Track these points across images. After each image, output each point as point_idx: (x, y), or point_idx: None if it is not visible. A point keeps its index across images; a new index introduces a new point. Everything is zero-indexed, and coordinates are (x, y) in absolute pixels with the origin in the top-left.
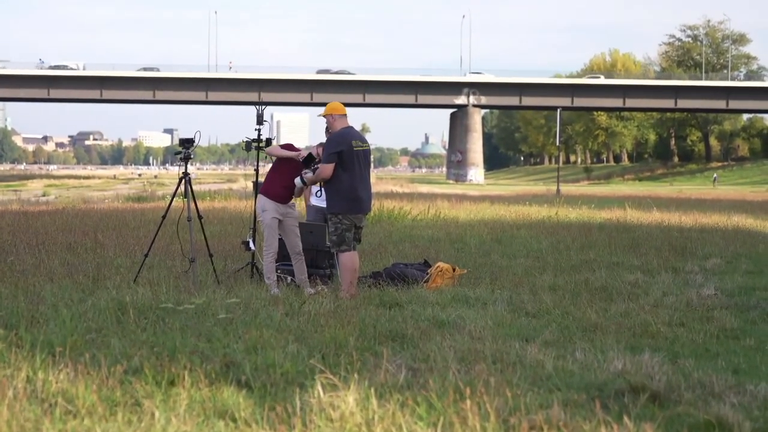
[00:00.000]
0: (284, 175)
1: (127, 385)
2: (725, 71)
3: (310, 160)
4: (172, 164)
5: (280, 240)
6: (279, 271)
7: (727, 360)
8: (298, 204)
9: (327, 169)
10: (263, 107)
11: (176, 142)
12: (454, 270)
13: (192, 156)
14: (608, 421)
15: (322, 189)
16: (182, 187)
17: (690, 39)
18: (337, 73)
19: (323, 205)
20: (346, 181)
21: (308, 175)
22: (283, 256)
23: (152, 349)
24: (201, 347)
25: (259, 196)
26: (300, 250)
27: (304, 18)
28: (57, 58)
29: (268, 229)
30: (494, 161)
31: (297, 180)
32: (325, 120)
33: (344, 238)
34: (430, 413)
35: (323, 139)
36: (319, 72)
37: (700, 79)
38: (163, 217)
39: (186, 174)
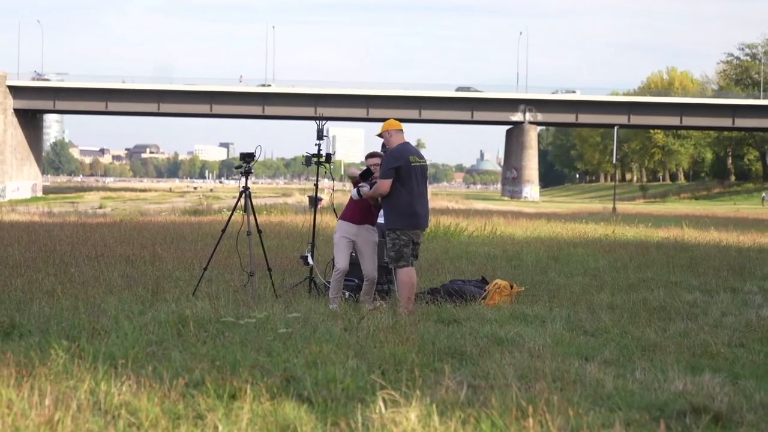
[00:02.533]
0: (368, 204)
1: (189, 398)
2: None
3: (368, 174)
4: (227, 178)
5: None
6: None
7: None
8: None
9: (385, 184)
10: (324, 122)
11: (232, 155)
12: (511, 287)
13: (252, 170)
14: None
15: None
16: (242, 201)
17: (748, 57)
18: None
19: (381, 221)
20: (404, 197)
21: (365, 189)
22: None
23: (213, 363)
24: (261, 361)
25: (339, 221)
26: (373, 277)
27: (361, 34)
28: (114, 71)
29: (335, 248)
30: (549, 178)
31: (354, 192)
32: (382, 138)
33: (402, 254)
34: (492, 430)
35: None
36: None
37: (758, 98)
38: (223, 230)
39: (246, 188)
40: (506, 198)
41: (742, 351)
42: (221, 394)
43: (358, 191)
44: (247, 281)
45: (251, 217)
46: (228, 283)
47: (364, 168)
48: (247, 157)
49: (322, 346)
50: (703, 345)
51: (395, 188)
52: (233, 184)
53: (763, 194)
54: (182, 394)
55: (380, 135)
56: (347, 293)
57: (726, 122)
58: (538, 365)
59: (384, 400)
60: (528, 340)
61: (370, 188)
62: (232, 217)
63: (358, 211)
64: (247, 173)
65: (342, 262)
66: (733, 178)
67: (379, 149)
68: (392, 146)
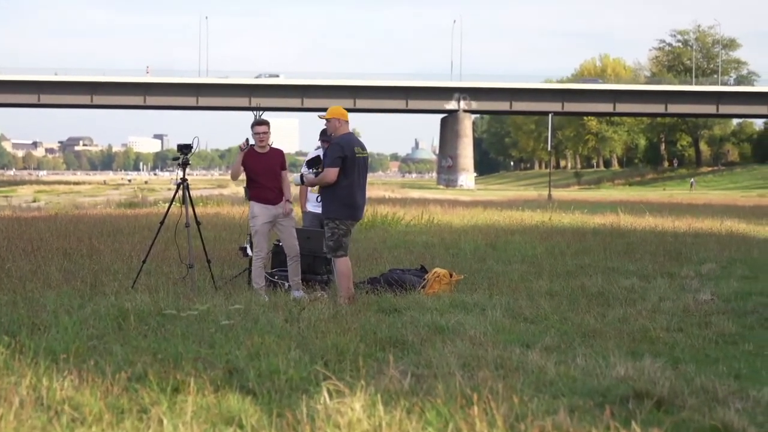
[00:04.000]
0: (262, 175)
1: (133, 392)
2: (715, 76)
3: (315, 162)
4: (162, 170)
5: (279, 245)
6: (277, 277)
7: (727, 365)
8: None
9: (332, 173)
10: (261, 112)
11: (166, 147)
12: (451, 276)
13: (189, 162)
14: (616, 427)
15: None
16: (180, 192)
17: (680, 44)
18: (270, 77)
19: (318, 211)
20: (345, 188)
21: (310, 176)
22: (280, 262)
23: (155, 356)
24: (204, 354)
25: (250, 203)
26: (297, 253)
27: (293, 23)
28: (48, 64)
29: (258, 236)
30: (485, 166)
31: (296, 177)
32: (326, 123)
33: (341, 244)
34: (437, 419)
35: (315, 144)
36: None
37: (691, 84)
38: (161, 222)
39: (184, 180)
40: (442, 186)
41: (681, 335)
42: (164, 388)
43: (302, 178)
44: (186, 273)
45: (189, 209)
46: (167, 276)
47: (313, 155)
48: (184, 149)
49: (264, 337)
50: (642, 330)
51: (338, 178)
52: (168, 176)
53: (691, 180)
54: (125, 388)
55: (327, 120)
56: (287, 284)
57: (659, 108)
58: (480, 353)
59: (328, 391)
60: (469, 329)
61: (315, 176)
62: (170, 210)
63: (269, 190)
64: (184, 165)
65: (265, 249)
66: (666, 164)
67: (315, 136)
68: (338, 134)
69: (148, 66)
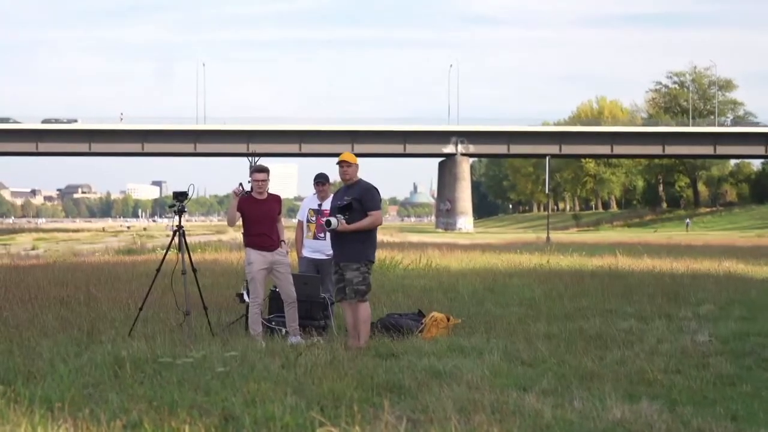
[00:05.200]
0: (260, 222)
1: None
2: (712, 117)
3: (347, 208)
4: (161, 216)
5: (276, 291)
6: (274, 323)
7: (724, 407)
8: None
9: (381, 216)
10: (257, 158)
11: (165, 194)
12: (448, 320)
13: (185, 209)
14: None
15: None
16: (176, 239)
17: (677, 85)
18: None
19: (314, 256)
20: (375, 230)
21: (342, 221)
22: (278, 307)
23: (151, 404)
24: (200, 401)
25: (246, 249)
26: (294, 299)
27: (291, 70)
28: (45, 112)
29: (254, 282)
30: (483, 209)
31: (333, 221)
32: (346, 168)
33: (370, 286)
34: None
35: (310, 188)
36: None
37: (688, 125)
38: (158, 270)
39: (180, 227)
40: (441, 230)
41: (679, 377)
42: None
43: (328, 222)
44: (183, 320)
45: (185, 256)
46: (164, 323)
47: (346, 201)
48: (180, 196)
49: (260, 383)
50: (640, 372)
51: None
52: (167, 223)
53: (687, 220)
54: None
55: (349, 165)
56: (284, 330)
57: (656, 150)
58: (477, 397)
59: None
60: (466, 372)
61: (348, 222)
62: (167, 256)
63: (264, 237)
64: (180, 212)
65: (261, 295)
66: (665, 205)
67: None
68: (354, 180)
69: (122, 113)
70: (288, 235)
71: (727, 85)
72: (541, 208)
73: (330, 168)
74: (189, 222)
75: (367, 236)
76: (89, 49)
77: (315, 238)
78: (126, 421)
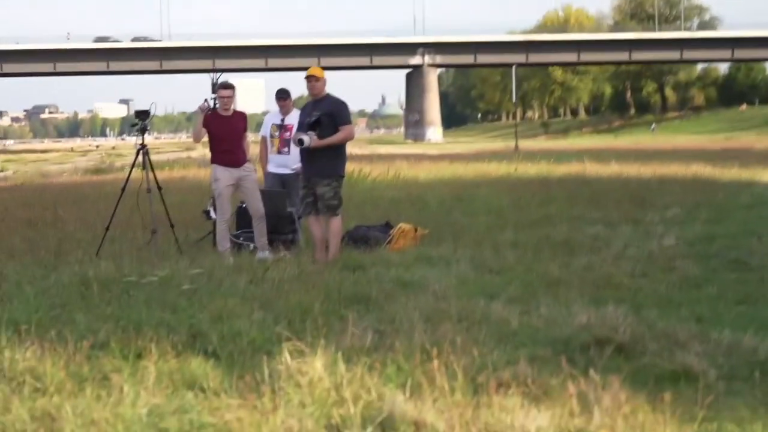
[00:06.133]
0: (225, 139)
1: (95, 360)
2: (678, 22)
3: (317, 123)
4: (129, 135)
5: (243, 207)
6: (242, 239)
7: (690, 309)
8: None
9: (354, 130)
10: (218, 75)
11: (132, 112)
12: (416, 230)
13: (148, 128)
14: (575, 375)
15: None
16: (140, 158)
17: None
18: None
19: (280, 171)
20: (346, 144)
21: (314, 137)
22: (245, 223)
23: (118, 323)
24: (166, 319)
25: (212, 166)
26: (262, 214)
27: None
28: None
29: (220, 198)
30: (452, 120)
31: (306, 138)
32: (314, 83)
33: (342, 201)
34: (398, 375)
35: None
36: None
37: (654, 31)
38: (123, 189)
39: (143, 145)
40: (410, 141)
41: (645, 281)
42: (126, 355)
43: (300, 141)
44: (150, 239)
45: (150, 174)
46: (131, 242)
47: (315, 116)
48: (142, 115)
49: (227, 300)
50: (606, 277)
51: None
52: (135, 141)
53: (653, 125)
54: (87, 356)
55: (317, 79)
56: (251, 245)
57: (623, 56)
58: (444, 307)
59: (290, 351)
60: (433, 282)
61: (319, 137)
62: (132, 175)
63: (230, 153)
64: (143, 130)
65: (228, 211)
66: (633, 111)
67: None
68: (321, 94)
69: (68, 32)
70: (253, 150)
71: None
72: (510, 117)
73: (297, 82)
74: (158, 140)
75: (338, 151)
76: None
77: (279, 152)
78: (93, 341)
